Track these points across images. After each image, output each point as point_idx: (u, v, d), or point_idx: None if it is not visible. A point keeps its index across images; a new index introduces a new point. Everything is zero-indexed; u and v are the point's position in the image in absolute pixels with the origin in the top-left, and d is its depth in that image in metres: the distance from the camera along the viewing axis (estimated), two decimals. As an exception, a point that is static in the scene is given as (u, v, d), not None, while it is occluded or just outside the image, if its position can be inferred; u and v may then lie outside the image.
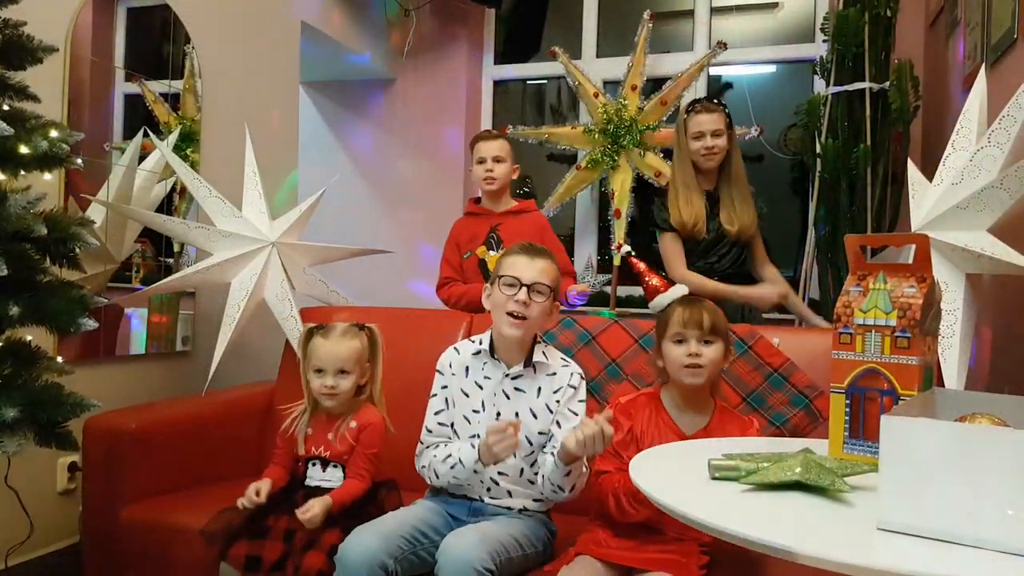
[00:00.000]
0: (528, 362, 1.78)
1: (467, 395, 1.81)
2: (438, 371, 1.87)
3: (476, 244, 2.70)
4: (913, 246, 1.23)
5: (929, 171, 2.00)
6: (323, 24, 3.51)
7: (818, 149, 3.05)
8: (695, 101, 2.69)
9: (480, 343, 1.84)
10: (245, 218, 2.47)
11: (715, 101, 2.65)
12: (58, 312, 1.61)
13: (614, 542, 1.62)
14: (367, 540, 1.57)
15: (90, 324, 1.64)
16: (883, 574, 0.82)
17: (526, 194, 4.39)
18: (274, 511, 1.79)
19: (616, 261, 3.41)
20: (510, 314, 1.72)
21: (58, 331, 1.66)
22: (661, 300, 1.84)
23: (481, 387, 1.81)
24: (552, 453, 1.69)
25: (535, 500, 1.78)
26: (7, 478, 1.92)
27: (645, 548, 1.60)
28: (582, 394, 1.79)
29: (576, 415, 1.75)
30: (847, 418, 1.21)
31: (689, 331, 1.65)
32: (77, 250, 1.67)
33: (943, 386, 1.78)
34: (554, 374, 1.79)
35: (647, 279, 1.92)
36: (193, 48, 2.74)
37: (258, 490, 1.81)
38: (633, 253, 2.08)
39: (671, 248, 2.65)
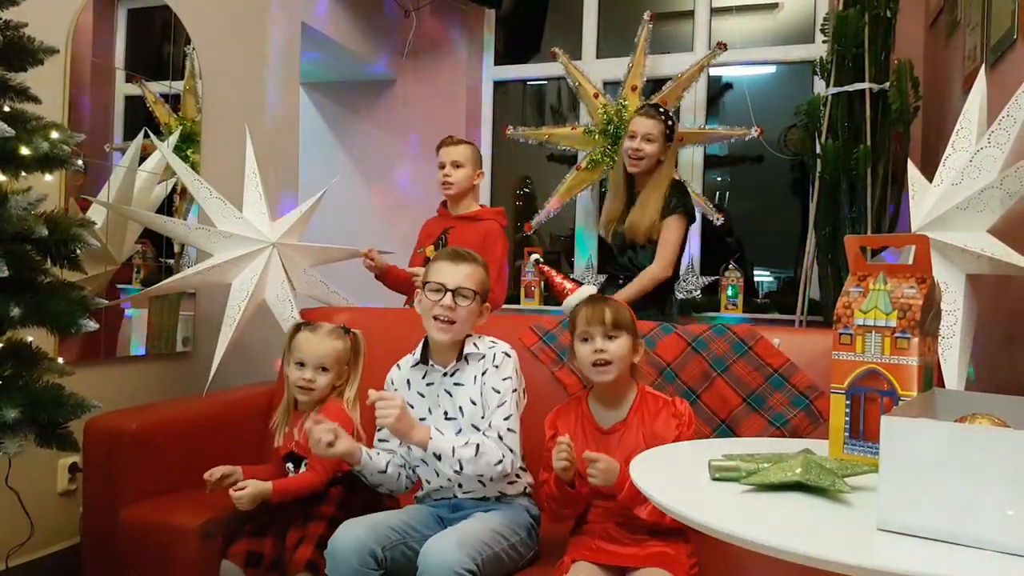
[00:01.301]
0: (460, 356, 1.80)
1: (412, 406, 1.82)
2: (385, 389, 1.87)
3: (429, 243, 2.74)
4: (913, 247, 1.23)
5: (929, 172, 2.00)
6: (323, 25, 3.52)
7: (818, 150, 3.05)
8: (645, 103, 2.72)
9: (416, 354, 1.87)
10: (245, 219, 2.47)
11: (661, 111, 2.67)
12: (59, 313, 1.61)
13: (606, 545, 1.63)
14: (356, 530, 1.59)
15: (91, 325, 1.64)
16: (883, 574, 0.82)
17: (527, 195, 4.40)
18: (273, 510, 1.80)
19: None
20: (436, 318, 1.75)
21: (59, 332, 1.66)
22: (569, 302, 1.88)
23: (423, 395, 1.84)
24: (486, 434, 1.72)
25: (510, 483, 1.79)
26: (8, 479, 1.93)
27: (635, 545, 1.62)
28: (506, 371, 1.78)
29: (498, 392, 1.75)
30: (847, 419, 1.21)
31: (593, 328, 1.68)
32: (78, 251, 1.67)
33: (943, 387, 1.78)
34: (483, 357, 1.80)
35: (557, 283, 1.95)
36: (193, 49, 2.75)
37: (213, 475, 1.82)
38: (542, 260, 2.11)
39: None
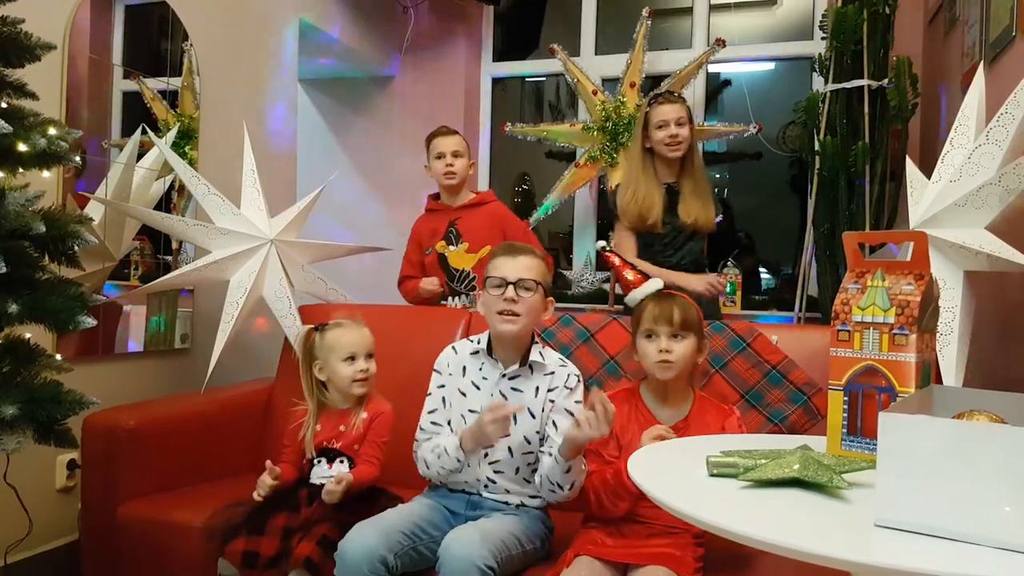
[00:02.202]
0: (524, 361, 1.79)
1: (464, 395, 1.82)
2: (435, 370, 1.88)
3: (436, 240, 2.74)
4: (911, 243, 1.23)
5: (927, 168, 2.00)
6: (321, 21, 3.51)
7: (816, 146, 3.05)
8: (657, 93, 2.71)
9: (478, 343, 1.85)
10: (243, 215, 2.47)
11: (676, 95, 2.67)
12: (57, 310, 1.61)
13: (610, 540, 1.62)
14: (367, 535, 1.58)
15: (89, 322, 1.64)
16: (881, 570, 0.83)
17: (525, 192, 4.40)
18: (274, 509, 1.80)
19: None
20: (501, 313, 1.73)
21: (57, 329, 1.65)
22: (635, 295, 1.86)
23: (478, 387, 1.82)
24: (550, 454, 1.70)
25: (532, 496, 1.79)
26: (6, 475, 1.92)
27: (641, 543, 1.61)
28: (578, 395, 1.79)
29: (572, 415, 1.75)
30: (845, 415, 1.21)
31: (659, 327, 1.66)
32: (76, 248, 1.67)
33: (941, 383, 1.78)
34: (552, 373, 1.80)
35: (622, 274, 1.93)
36: (191, 45, 2.74)
37: (275, 475, 1.83)
38: (608, 248, 2.07)
39: (624, 241, 2.65)
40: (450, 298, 2.77)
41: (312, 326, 1.99)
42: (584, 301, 3.67)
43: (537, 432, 1.77)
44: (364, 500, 1.83)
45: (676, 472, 1.22)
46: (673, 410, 1.71)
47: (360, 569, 1.54)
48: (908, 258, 1.23)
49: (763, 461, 1.12)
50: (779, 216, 3.91)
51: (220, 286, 2.46)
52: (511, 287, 1.72)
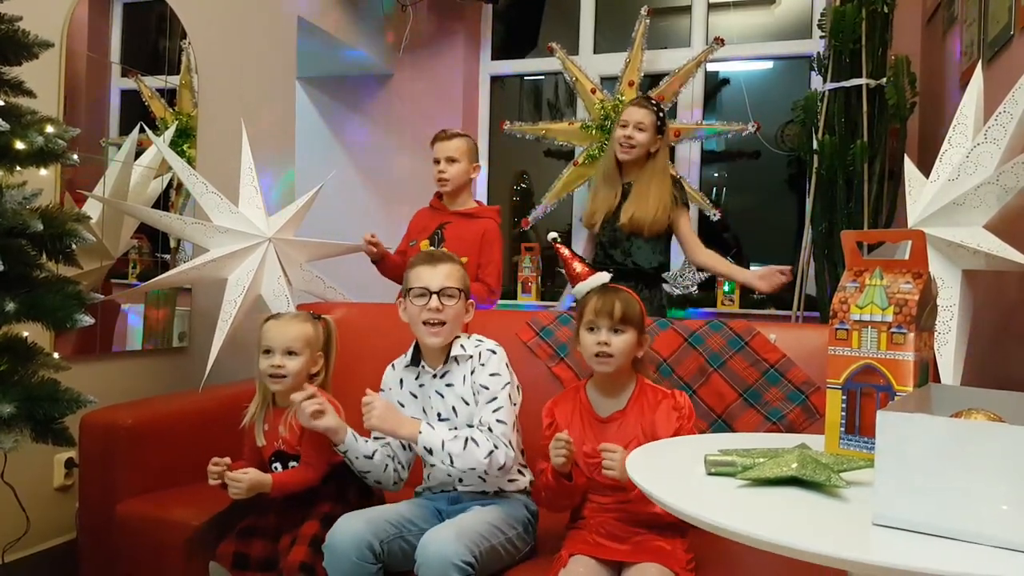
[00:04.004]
0: (448, 358, 1.81)
1: (403, 406, 1.84)
2: (380, 389, 1.88)
3: (423, 236, 2.74)
4: (909, 242, 1.23)
5: (926, 167, 2.00)
6: (320, 19, 3.50)
7: (815, 145, 3.05)
8: (638, 96, 2.72)
9: (407, 355, 1.87)
10: (241, 214, 2.47)
11: (653, 103, 2.68)
12: (54, 308, 1.61)
13: (602, 539, 1.63)
14: (355, 524, 1.60)
15: (86, 320, 1.64)
16: (879, 569, 0.83)
17: (524, 190, 4.40)
18: (260, 509, 1.79)
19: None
20: (426, 323, 1.75)
21: (54, 327, 1.66)
22: (580, 288, 1.87)
23: (416, 395, 1.85)
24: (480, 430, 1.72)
25: (510, 481, 1.79)
26: (3, 474, 1.92)
27: (632, 540, 1.62)
28: (492, 367, 1.78)
29: (486, 388, 1.76)
30: (843, 414, 1.21)
31: (600, 319, 1.67)
32: (73, 246, 1.67)
33: (939, 382, 1.78)
34: (471, 357, 1.81)
35: (571, 265, 1.94)
36: (189, 43, 2.74)
37: (220, 464, 1.74)
38: (559, 239, 2.07)
39: (583, 240, 2.73)
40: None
41: (269, 314, 1.94)
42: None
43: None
44: (358, 501, 1.81)
45: (674, 471, 1.22)
46: (612, 401, 1.73)
47: (348, 556, 1.55)
48: (906, 257, 1.23)
49: (761, 460, 1.12)
50: (777, 215, 3.91)
51: (218, 284, 2.46)
52: (435, 296, 1.74)
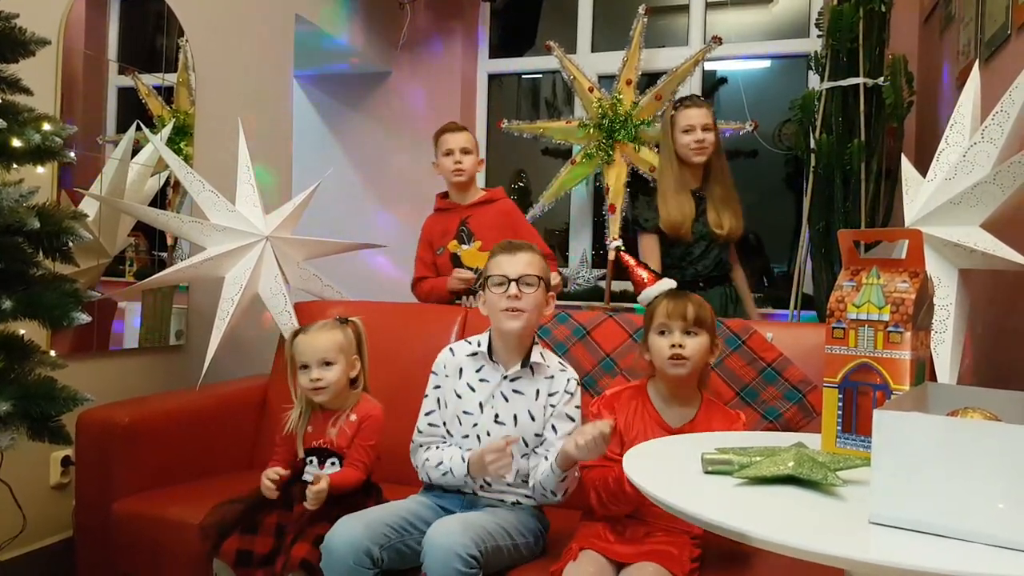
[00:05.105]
0: (526, 363, 1.79)
1: (459, 396, 1.82)
2: (432, 372, 1.88)
3: (448, 239, 2.71)
4: (906, 241, 1.23)
5: (923, 166, 2.00)
6: (317, 17, 3.50)
7: (812, 144, 3.05)
8: (683, 97, 2.71)
9: (478, 344, 1.85)
10: (239, 212, 2.46)
11: (700, 98, 2.67)
12: (51, 306, 1.60)
13: (612, 536, 1.62)
14: (352, 528, 1.59)
15: (83, 318, 1.64)
16: (875, 567, 0.83)
17: (521, 189, 4.40)
18: (267, 507, 1.79)
19: (611, 256, 3.42)
20: (505, 310, 1.73)
21: (51, 325, 1.65)
22: (648, 293, 1.86)
23: (474, 389, 1.82)
24: (546, 457, 1.71)
25: (527, 496, 1.79)
26: (0, 472, 1.92)
27: (639, 542, 1.61)
28: (578, 400, 1.80)
29: (572, 420, 1.77)
30: (840, 412, 1.22)
31: (673, 322, 1.66)
32: (70, 244, 1.66)
33: (936, 381, 1.78)
34: (552, 377, 1.80)
35: (636, 272, 1.93)
36: (187, 41, 2.73)
37: (277, 473, 1.80)
38: (623, 248, 2.09)
39: (651, 249, 2.67)
40: (465, 297, 2.69)
41: (297, 328, 1.96)
42: (580, 298, 3.67)
43: (537, 435, 1.78)
44: (355, 496, 1.82)
45: (671, 469, 1.22)
46: (680, 411, 1.70)
47: (345, 561, 1.55)
48: (903, 256, 1.23)
49: (758, 458, 1.12)
50: (774, 214, 3.91)
51: (215, 283, 2.46)
52: (514, 284, 1.73)
